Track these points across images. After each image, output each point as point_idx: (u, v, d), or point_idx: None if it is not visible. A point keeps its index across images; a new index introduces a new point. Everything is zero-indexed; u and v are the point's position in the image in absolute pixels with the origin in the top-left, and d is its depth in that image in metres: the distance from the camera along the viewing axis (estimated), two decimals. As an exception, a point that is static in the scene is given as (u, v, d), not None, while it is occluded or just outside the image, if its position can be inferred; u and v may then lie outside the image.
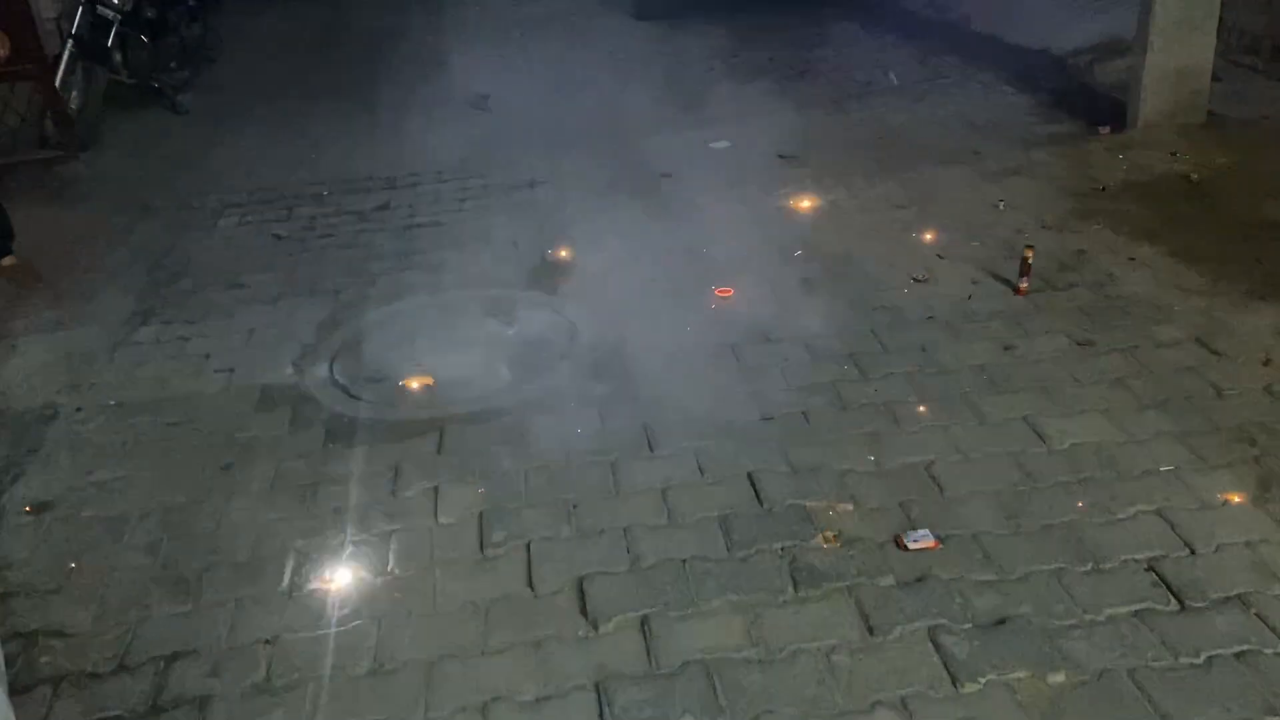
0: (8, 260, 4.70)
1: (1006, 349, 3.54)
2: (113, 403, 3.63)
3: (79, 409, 3.60)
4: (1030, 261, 3.89)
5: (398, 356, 3.83)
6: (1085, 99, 5.86)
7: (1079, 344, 3.53)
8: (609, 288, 4.18)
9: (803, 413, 3.27)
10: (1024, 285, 3.89)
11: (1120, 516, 2.69)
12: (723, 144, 5.74)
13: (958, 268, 4.16)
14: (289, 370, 3.76)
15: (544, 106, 6.66)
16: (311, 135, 6.44)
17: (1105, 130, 5.36)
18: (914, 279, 4.09)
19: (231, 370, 3.79)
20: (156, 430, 3.44)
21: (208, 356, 3.89)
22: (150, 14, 7.18)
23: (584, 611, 2.49)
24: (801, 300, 3.97)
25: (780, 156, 5.48)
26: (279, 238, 4.99)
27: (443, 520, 2.87)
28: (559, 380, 3.57)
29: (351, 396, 3.58)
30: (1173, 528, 2.63)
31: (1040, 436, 3.05)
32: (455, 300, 4.25)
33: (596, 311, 4.00)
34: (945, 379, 3.39)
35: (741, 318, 3.87)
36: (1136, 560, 2.53)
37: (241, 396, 3.60)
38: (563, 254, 4.00)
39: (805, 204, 4.87)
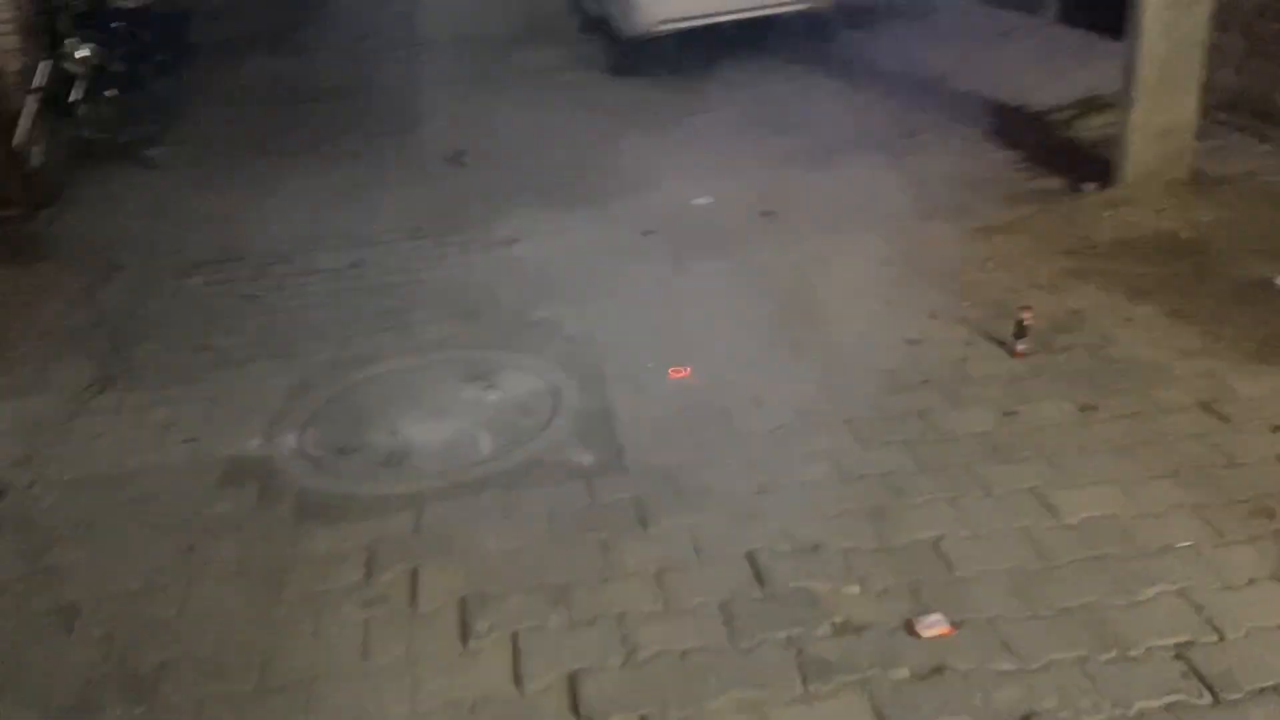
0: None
1: (1007, 415, 3.42)
2: (68, 478, 3.42)
3: (31, 485, 3.39)
4: (1027, 324, 3.79)
5: (372, 425, 3.65)
6: (1068, 155, 5.83)
7: (1081, 409, 3.42)
8: (592, 350, 4.03)
9: (801, 484, 3.12)
10: (1021, 348, 3.78)
11: (1141, 598, 2.55)
12: (704, 200, 5.65)
13: (950, 328, 4.05)
14: (257, 441, 3.57)
15: (522, 162, 6.56)
16: (285, 191, 6.28)
17: (1091, 187, 5.32)
18: (906, 340, 3.98)
19: (196, 441, 3.59)
20: (114, 508, 3.23)
21: (171, 426, 3.70)
22: (119, 68, 7.05)
23: (575, 711, 2.30)
24: (792, 362, 3.84)
25: (763, 214, 5.39)
26: (249, 298, 4.81)
27: (422, 608, 2.68)
28: (543, 450, 3.40)
29: (323, 469, 3.39)
30: (1198, 610, 2.49)
31: (1050, 510, 2.91)
32: (432, 363, 4.08)
33: (580, 375, 3.85)
34: (947, 447, 3.26)
35: (731, 383, 3.73)
36: (1164, 647, 2.38)
37: (206, 470, 3.41)
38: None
39: (790, 261, 4.76)
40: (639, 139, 6.83)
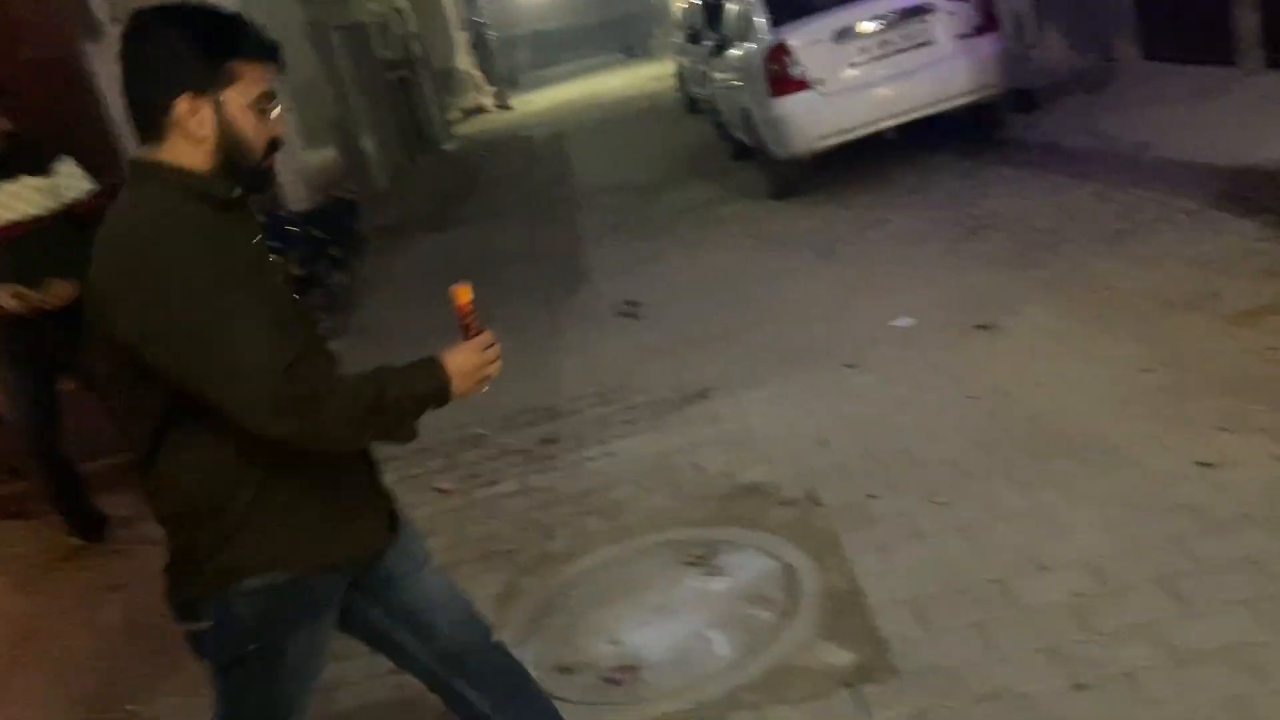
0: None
1: (1373, 551, 2.71)
2: None
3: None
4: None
5: (591, 633, 3.24)
6: (1322, 212, 5.06)
7: None
8: (818, 513, 3.54)
9: (1124, 674, 2.49)
10: (1360, 459, 3.06)
11: None
12: (905, 322, 5.14)
13: (1251, 442, 3.35)
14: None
15: (697, 307, 6.25)
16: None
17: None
18: (1199, 464, 3.31)
19: (404, 670, 3.26)
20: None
21: (377, 654, 3.40)
22: (298, 272, 7.21)
23: None
24: (1068, 508, 3.23)
25: (977, 327, 4.83)
26: (441, 491, 4.58)
27: None
28: (790, 652, 2.89)
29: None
30: None
31: None
32: (645, 550, 3.68)
33: (811, 547, 3.35)
34: (1305, 605, 2.57)
35: (998, 544, 3.15)
36: None
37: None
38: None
39: (1030, 379, 4.18)
40: (816, 264, 6.46)
